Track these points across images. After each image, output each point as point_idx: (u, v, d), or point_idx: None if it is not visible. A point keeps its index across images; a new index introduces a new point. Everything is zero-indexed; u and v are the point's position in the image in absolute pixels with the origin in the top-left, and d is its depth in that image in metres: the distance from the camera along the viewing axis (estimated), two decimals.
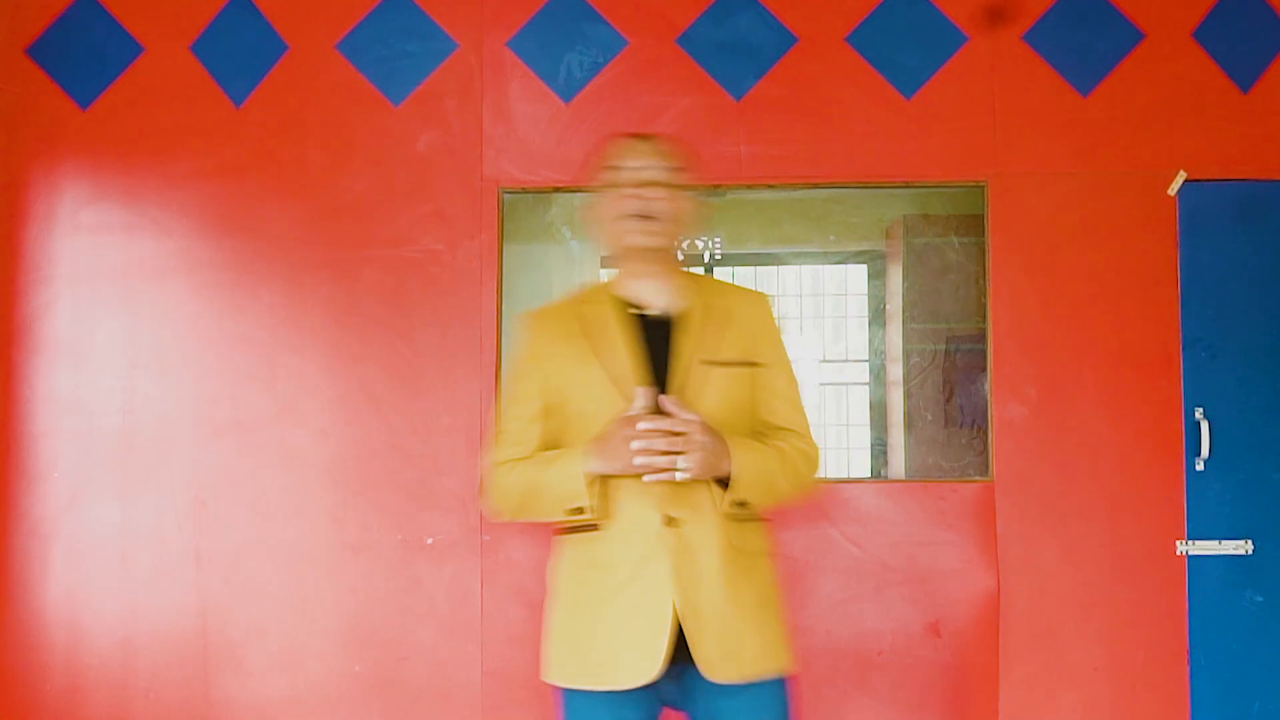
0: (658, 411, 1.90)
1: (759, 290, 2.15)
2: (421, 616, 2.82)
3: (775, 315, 2.12)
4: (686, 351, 1.99)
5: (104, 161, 2.94)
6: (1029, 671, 2.78)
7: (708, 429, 1.88)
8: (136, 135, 2.93)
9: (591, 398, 1.98)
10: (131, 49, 2.96)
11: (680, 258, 2.12)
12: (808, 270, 3.99)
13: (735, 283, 2.21)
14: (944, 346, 3.47)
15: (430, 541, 2.83)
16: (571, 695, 1.97)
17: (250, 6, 2.95)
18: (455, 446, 2.84)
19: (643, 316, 2.04)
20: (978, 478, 2.92)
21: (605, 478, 1.93)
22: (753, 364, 2.03)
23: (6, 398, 2.90)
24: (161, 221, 2.92)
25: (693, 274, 2.13)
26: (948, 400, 3.45)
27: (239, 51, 2.94)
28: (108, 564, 2.86)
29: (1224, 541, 2.78)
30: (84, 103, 2.95)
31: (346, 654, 2.83)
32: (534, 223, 3.41)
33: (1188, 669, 2.77)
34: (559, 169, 2.91)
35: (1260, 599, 2.77)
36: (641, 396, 1.90)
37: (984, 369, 2.91)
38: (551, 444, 2.04)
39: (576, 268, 3.75)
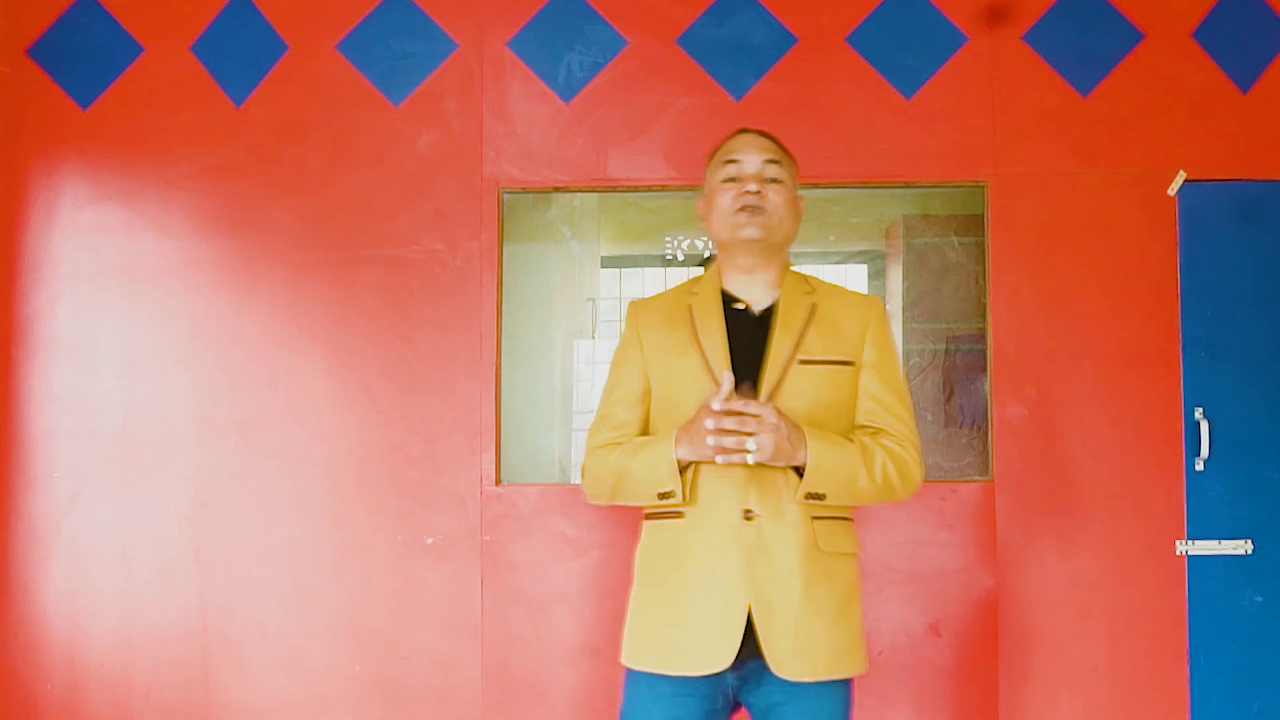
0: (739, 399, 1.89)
1: (872, 295, 2.13)
2: (421, 616, 2.82)
3: (887, 322, 2.08)
4: (782, 349, 1.98)
5: (104, 161, 2.94)
6: (1029, 671, 2.78)
7: (782, 416, 1.85)
8: (136, 135, 2.93)
9: (686, 388, 1.98)
10: (131, 49, 2.96)
11: (789, 255, 2.12)
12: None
13: (848, 286, 2.17)
14: (944, 346, 3.47)
15: (430, 541, 2.83)
16: (637, 676, 1.98)
17: (250, 6, 2.95)
18: (455, 446, 2.85)
19: (745, 311, 2.04)
20: (978, 478, 2.92)
21: (695, 464, 1.93)
22: (845, 363, 2.01)
23: (6, 398, 2.90)
24: (161, 221, 2.93)
25: (802, 273, 2.12)
26: (948, 400, 3.45)
27: (239, 51, 2.94)
28: (108, 564, 2.86)
29: (1224, 541, 2.78)
30: (84, 103, 2.95)
31: (346, 654, 2.82)
32: (534, 223, 3.42)
33: (1188, 669, 2.77)
34: (559, 169, 2.91)
35: (1260, 599, 2.77)
36: (728, 381, 1.88)
37: (984, 369, 2.91)
38: (647, 431, 2.05)
39: (576, 268, 3.75)
